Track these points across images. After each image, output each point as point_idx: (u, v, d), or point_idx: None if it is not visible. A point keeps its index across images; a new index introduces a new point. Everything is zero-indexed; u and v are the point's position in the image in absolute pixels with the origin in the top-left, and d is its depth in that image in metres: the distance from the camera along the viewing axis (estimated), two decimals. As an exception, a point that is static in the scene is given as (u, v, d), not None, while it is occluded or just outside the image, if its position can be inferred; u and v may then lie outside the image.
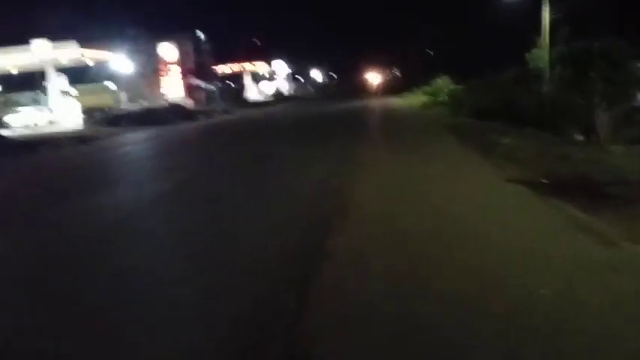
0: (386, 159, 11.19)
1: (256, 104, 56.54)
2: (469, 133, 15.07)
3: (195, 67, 65.54)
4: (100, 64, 48.05)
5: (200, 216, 7.80)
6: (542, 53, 34.72)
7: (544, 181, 8.14)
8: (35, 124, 36.89)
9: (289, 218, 7.20)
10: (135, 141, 22.48)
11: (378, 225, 6.53)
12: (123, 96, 51.62)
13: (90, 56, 37.91)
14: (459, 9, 52.19)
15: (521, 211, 6.84)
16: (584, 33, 32.05)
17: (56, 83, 38.16)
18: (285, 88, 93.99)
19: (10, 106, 40.90)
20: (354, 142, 14.76)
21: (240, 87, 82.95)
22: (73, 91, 45.90)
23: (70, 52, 35.64)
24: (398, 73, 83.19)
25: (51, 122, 36.78)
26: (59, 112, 37.22)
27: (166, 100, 48.68)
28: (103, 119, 33.29)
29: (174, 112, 37.55)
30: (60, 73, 39.11)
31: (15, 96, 45.31)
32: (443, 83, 37.02)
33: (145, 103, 47.54)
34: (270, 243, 6.06)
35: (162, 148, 18.69)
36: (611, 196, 7.16)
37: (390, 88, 61.06)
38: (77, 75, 46.20)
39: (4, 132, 34.69)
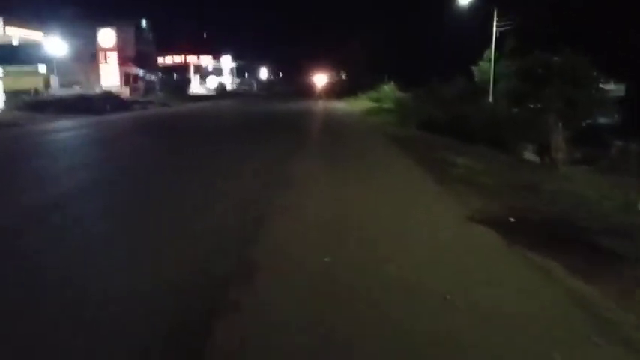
0: (322, 176, 9.23)
1: (197, 98, 54.56)
2: (419, 148, 13.73)
3: (136, 55, 62.92)
4: (32, 46, 45.19)
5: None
6: (488, 66, 34.76)
7: (512, 220, 6.53)
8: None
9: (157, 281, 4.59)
10: (55, 129, 20.58)
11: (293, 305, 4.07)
12: (55, 80, 48.71)
13: (14, 34, 35.17)
14: (412, 14, 52.01)
15: (500, 280, 4.66)
16: (531, 47, 32.22)
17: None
18: (229, 83, 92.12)
19: None
20: (288, 153, 12.74)
21: (183, 79, 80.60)
22: (2, 70, 42.90)
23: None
24: (344, 77, 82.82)
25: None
26: (-23, 93, 34.42)
27: (101, 88, 46.21)
28: (28, 104, 30.76)
29: (108, 100, 35.36)
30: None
31: None
32: (389, 90, 36.53)
33: (78, 90, 44.95)
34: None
35: (81, 141, 16.87)
36: (610, 253, 5.44)
37: (335, 91, 60.31)
38: (5, 55, 43.23)
39: None
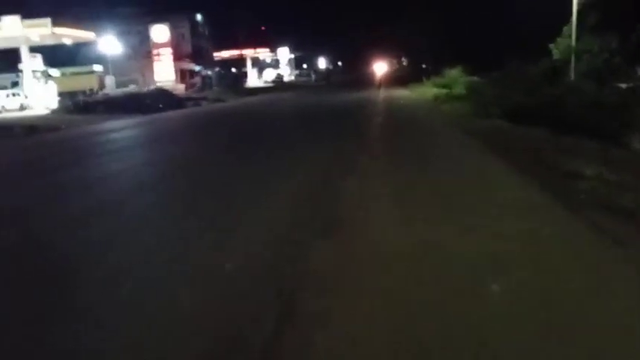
0: (392, 200, 6.40)
1: (254, 91, 52.83)
2: (513, 145, 10.22)
3: (192, 51, 61.98)
4: (86, 46, 44.65)
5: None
6: (567, 43, 31.11)
7: None
8: (3, 109, 33.48)
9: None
10: (94, 132, 19.02)
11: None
12: (110, 80, 48.18)
13: (67, 35, 34.21)
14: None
15: None
16: (616, 21, 28.44)
17: (30, 64, 34.67)
18: (287, 74, 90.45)
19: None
20: (345, 162, 9.60)
21: (240, 73, 79.49)
22: (54, 72, 42.59)
23: (43, 30, 31.94)
24: (406, 63, 79.42)
25: (22, 107, 33.36)
26: (33, 95, 33.76)
27: (155, 85, 45.16)
28: (76, 105, 29.63)
29: (160, 98, 33.94)
30: (35, 54, 35.69)
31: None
32: (457, 74, 33.41)
33: (133, 88, 44.08)
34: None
35: (116, 146, 14.93)
36: None
37: (397, 79, 57.32)
38: (59, 56, 42.87)
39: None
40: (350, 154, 10.10)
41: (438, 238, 4.80)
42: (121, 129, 19.97)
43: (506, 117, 13.65)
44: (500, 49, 34.22)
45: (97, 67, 48.63)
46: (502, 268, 4.01)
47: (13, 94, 35.02)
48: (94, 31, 40.53)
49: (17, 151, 15.34)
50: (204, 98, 39.75)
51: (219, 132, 17.92)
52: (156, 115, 26.99)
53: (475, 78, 30.62)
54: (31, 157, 13.52)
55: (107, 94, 36.65)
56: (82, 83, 43.74)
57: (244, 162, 10.37)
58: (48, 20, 31.62)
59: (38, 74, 36.00)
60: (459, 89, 27.17)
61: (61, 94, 36.45)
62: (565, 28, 32.18)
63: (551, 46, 33.57)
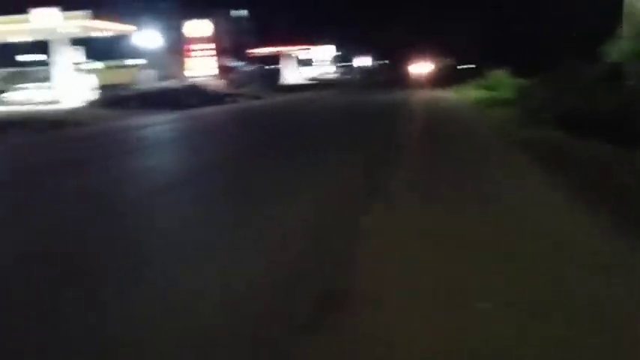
0: (429, 237, 5.04)
1: (292, 89, 51.96)
2: (580, 169, 7.85)
3: (232, 46, 61.51)
4: (125, 39, 44.50)
5: None
6: (624, 45, 29.08)
7: None
8: (34, 101, 33.30)
9: None
10: (117, 129, 18.30)
11: None
12: (151, 74, 47.95)
13: (106, 27, 33.83)
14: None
15: None
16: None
17: (65, 57, 34.39)
18: (329, 72, 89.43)
19: (14, 81, 37.75)
20: (381, 169, 8.73)
21: (280, 70, 78.67)
22: (97, 65, 42.53)
23: (82, 23, 31.57)
24: (450, 63, 77.27)
25: (54, 100, 33.09)
26: (64, 88, 33.45)
27: (192, 81, 44.63)
28: (110, 99, 29.12)
29: (195, 94, 33.29)
30: (77, 47, 35.46)
31: (24, 71, 42.20)
32: (503, 76, 31.63)
33: (173, 83, 43.68)
34: None
35: (130, 147, 14.04)
36: None
37: (441, 79, 55.61)
38: (98, 48, 42.78)
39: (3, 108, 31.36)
40: (380, 168, 8.79)
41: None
42: (148, 126, 19.22)
43: (560, 125, 12.10)
44: (549, 50, 32.40)
45: (139, 61, 48.44)
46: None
47: (45, 87, 34.84)
48: (136, 25, 40.25)
49: (27, 149, 14.67)
50: (241, 94, 38.97)
51: (246, 133, 16.94)
52: (189, 112, 26.24)
53: (522, 80, 28.85)
54: (40, 158, 12.78)
55: (141, 89, 36.13)
56: (123, 77, 43.49)
57: (257, 171, 9.28)
58: (87, 13, 31.25)
59: (78, 67, 35.76)
60: (504, 92, 25.52)
61: (102, 87, 36.14)
62: (619, 29, 30.18)
63: (605, 47, 31.55)
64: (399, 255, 4.64)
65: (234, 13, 64.16)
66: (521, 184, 7.58)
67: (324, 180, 8.22)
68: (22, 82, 37.31)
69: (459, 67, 62.74)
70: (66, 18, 31.62)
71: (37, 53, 45.33)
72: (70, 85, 33.79)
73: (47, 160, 11.90)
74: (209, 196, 7.60)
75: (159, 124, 19.88)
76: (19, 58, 44.55)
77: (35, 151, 13.99)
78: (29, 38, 36.00)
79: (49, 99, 33.51)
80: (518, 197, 6.74)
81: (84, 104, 29.50)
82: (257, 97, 37.70)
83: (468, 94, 30.53)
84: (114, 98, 29.25)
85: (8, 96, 34.07)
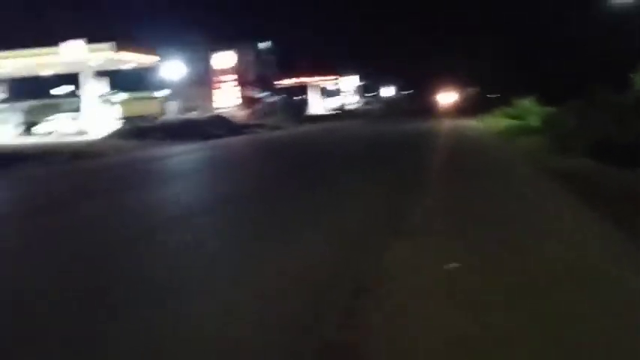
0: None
1: (315, 119, 51.82)
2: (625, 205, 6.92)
3: (257, 78, 61.91)
4: (153, 71, 45.06)
5: None
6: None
7: None
8: (61, 132, 33.66)
9: None
10: (139, 160, 18.14)
11: None
12: (174, 105, 48.35)
13: (130, 59, 34.15)
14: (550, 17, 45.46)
15: None
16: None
17: (92, 88, 34.80)
18: (352, 102, 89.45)
19: (44, 113, 38.39)
20: (408, 204, 7.94)
21: (303, 100, 78.88)
22: (122, 96, 42.98)
23: (106, 55, 31.89)
24: (474, 92, 76.60)
25: (80, 131, 33.40)
26: (91, 119, 33.77)
27: (216, 112, 44.81)
28: (134, 130, 29.19)
29: (218, 124, 33.30)
30: (101, 78, 35.89)
31: (54, 103, 42.90)
32: (530, 105, 30.92)
33: (196, 114, 43.92)
34: None
35: (144, 177, 13.71)
36: None
37: (465, 108, 55.01)
38: (128, 80, 43.29)
39: (30, 139, 31.67)
40: (403, 206, 8.05)
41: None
42: (167, 157, 19.02)
43: (590, 153, 11.44)
44: (576, 77, 31.68)
45: (162, 93, 48.87)
46: None
47: (73, 118, 35.23)
48: (160, 57, 40.63)
49: (38, 180, 14.46)
50: (262, 125, 38.89)
51: (265, 164, 16.55)
52: (210, 142, 26.14)
53: (549, 108, 28.07)
54: (49, 189, 12.51)
55: (165, 120, 36.31)
56: (147, 108, 43.84)
57: (272, 203, 8.80)
58: (111, 44, 31.56)
59: (103, 98, 36.12)
60: (532, 121, 24.86)
61: (126, 119, 36.42)
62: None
63: (636, 75, 30.73)
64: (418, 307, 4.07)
65: (258, 44, 64.67)
66: (560, 218, 6.79)
67: (337, 212, 7.69)
68: (52, 114, 37.83)
69: (483, 95, 61.99)
70: (91, 50, 31.97)
71: (65, 84, 46.14)
72: (96, 117, 34.09)
73: (57, 192, 11.66)
74: (217, 234, 7.15)
75: (179, 154, 19.69)
76: (48, 90, 45.28)
77: (48, 182, 13.78)
78: (58, 71, 36.54)
79: (77, 130, 33.84)
80: (561, 237, 5.84)
81: (108, 135, 29.58)
82: (279, 128, 37.54)
83: (494, 122, 29.90)
84: (138, 129, 29.29)
85: (38, 128, 34.49)
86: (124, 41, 33.03)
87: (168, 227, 7.34)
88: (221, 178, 13.46)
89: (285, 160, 17.04)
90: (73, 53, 31.72)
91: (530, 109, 29.08)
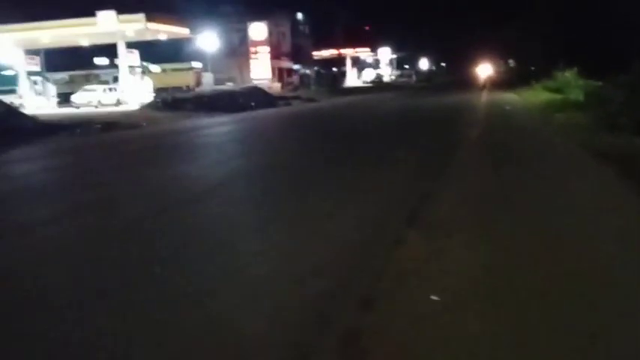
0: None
1: (350, 91, 51.28)
2: None
3: (291, 49, 61.40)
4: (187, 43, 45.06)
5: None
6: None
7: None
8: (99, 103, 34.05)
9: None
10: (171, 131, 18.15)
11: None
12: (209, 77, 48.37)
13: (162, 30, 34.08)
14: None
15: None
16: None
17: (127, 60, 35.01)
18: (388, 75, 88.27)
19: (82, 83, 38.91)
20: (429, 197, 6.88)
21: (338, 72, 78.17)
22: (154, 68, 43.19)
23: (137, 26, 31.88)
24: (513, 65, 74.61)
25: (118, 102, 33.77)
26: (128, 90, 34.07)
27: (249, 84, 44.61)
28: (167, 102, 29.23)
29: (252, 96, 33.08)
30: (132, 50, 36.03)
31: (92, 73, 43.47)
32: (571, 78, 29.85)
33: (230, 86, 43.85)
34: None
35: (157, 153, 13.42)
36: None
37: (503, 81, 53.69)
38: (161, 52, 43.50)
39: (69, 110, 32.10)
40: (432, 184, 7.58)
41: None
42: (200, 128, 18.93)
43: (640, 131, 10.83)
44: (618, 50, 30.39)
45: (196, 64, 48.90)
46: None
47: (110, 89, 35.57)
48: (194, 29, 40.49)
49: (72, 150, 14.55)
50: (297, 97, 38.63)
51: (296, 136, 16.31)
52: (244, 114, 25.99)
53: (590, 82, 26.95)
54: (76, 160, 12.59)
55: (198, 92, 36.30)
56: (180, 80, 44.01)
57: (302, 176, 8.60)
58: (142, 15, 31.50)
59: (135, 70, 36.31)
60: (574, 94, 23.96)
61: (158, 90, 36.64)
62: None
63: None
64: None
65: (292, 16, 63.98)
66: (615, 210, 5.86)
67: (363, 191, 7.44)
68: (90, 84, 38.30)
69: (522, 68, 60.26)
70: (122, 21, 31.99)
71: (101, 56, 46.51)
72: (133, 88, 34.36)
73: (79, 163, 11.77)
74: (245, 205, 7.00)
75: (210, 126, 19.55)
76: (85, 61, 45.81)
77: (73, 153, 13.83)
78: (94, 41, 36.79)
79: (115, 101, 34.21)
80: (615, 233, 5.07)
81: (142, 107, 29.75)
82: (313, 100, 37.19)
83: (532, 96, 28.99)
84: (172, 100, 29.33)
85: (76, 97, 34.93)
86: (155, 12, 32.94)
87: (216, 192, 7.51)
88: (253, 150, 13.34)
89: (322, 133, 16.76)
90: (108, 24, 31.79)
91: (571, 82, 28.10)
